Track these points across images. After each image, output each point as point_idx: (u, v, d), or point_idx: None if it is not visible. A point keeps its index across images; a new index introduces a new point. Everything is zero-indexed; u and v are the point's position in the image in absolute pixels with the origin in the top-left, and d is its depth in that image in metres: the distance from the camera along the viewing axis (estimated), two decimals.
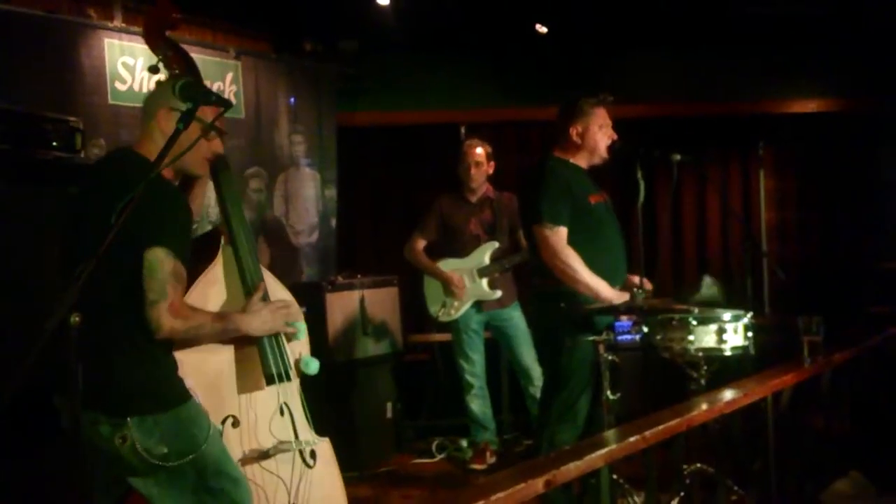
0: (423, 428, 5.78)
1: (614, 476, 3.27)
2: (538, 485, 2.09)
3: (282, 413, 2.85)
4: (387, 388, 5.49)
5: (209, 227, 4.25)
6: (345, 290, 5.27)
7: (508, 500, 1.98)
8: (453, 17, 5.94)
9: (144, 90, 4.82)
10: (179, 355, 2.52)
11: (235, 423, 2.73)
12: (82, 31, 4.65)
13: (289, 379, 2.81)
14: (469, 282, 5.19)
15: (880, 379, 4.55)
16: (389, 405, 5.47)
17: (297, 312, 2.82)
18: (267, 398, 2.81)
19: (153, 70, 2.70)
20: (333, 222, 6.16)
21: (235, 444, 2.72)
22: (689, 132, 6.64)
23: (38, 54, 4.38)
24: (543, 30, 6.00)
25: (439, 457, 5.45)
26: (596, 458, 2.32)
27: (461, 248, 5.27)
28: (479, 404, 5.29)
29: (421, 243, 5.34)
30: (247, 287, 2.76)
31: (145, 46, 4.78)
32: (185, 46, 2.77)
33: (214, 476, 2.42)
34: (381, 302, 5.49)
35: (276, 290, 2.91)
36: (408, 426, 5.71)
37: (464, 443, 5.44)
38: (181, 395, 2.43)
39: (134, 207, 2.02)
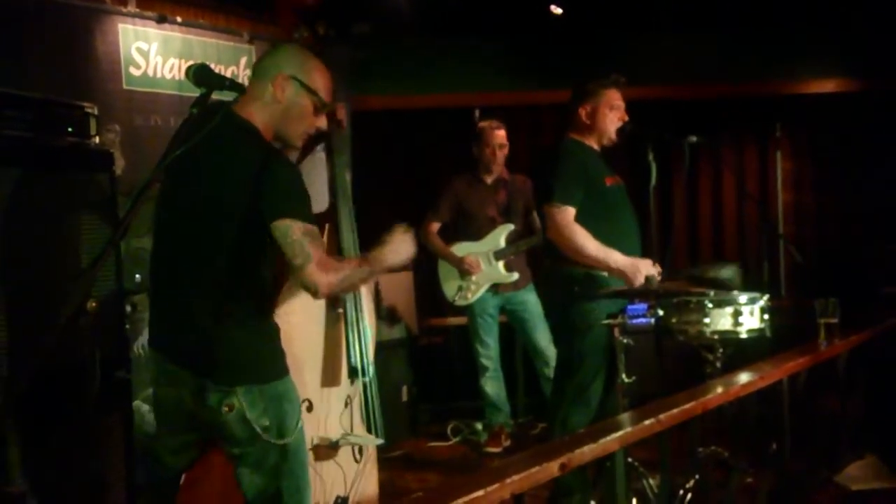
0: (439, 411, 5.80)
1: (629, 459, 3.27)
2: (553, 468, 2.09)
3: (346, 405, 2.87)
4: (402, 371, 5.51)
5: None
6: None
7: (523, 483, 1.99)
8: (466, 0, 5.91)
9: (159, 75, 4.83)
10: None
11: (310, 408, 2.75)
12: (96, 17, 4.65)
13: (365, 375, 2.83)
14: (485, 265, 5.19)
15: (895, 361, 4.52)
16: (405, 388, 5.49)
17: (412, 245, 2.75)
18: (339, 389, 2.84)
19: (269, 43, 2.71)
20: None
21: (308, 430, 2.73)
22: (704, 114, 6.58)
23: (52, 40, 4.39)
24: (558, 11, 5.96)
25: (454, 440, 5.46)
26: (611, 442, 2.32)
27: (476, 231, 5.25)
28: (493, 387, 5.30)
29: (435, 226, 5.32)
30: None
31: (160, 31, 4.86)
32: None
33: (293, 457, 2.44)
34: (396, 286, 5.50)
35: (365, 293, 2.97)
36: (423, 409, 5.73)
37: (479, 426, 5.46)
38: (283, 368, 2.46)
39: (248, 181, 2.02)
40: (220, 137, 2.33)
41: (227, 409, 2.31)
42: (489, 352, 5.28)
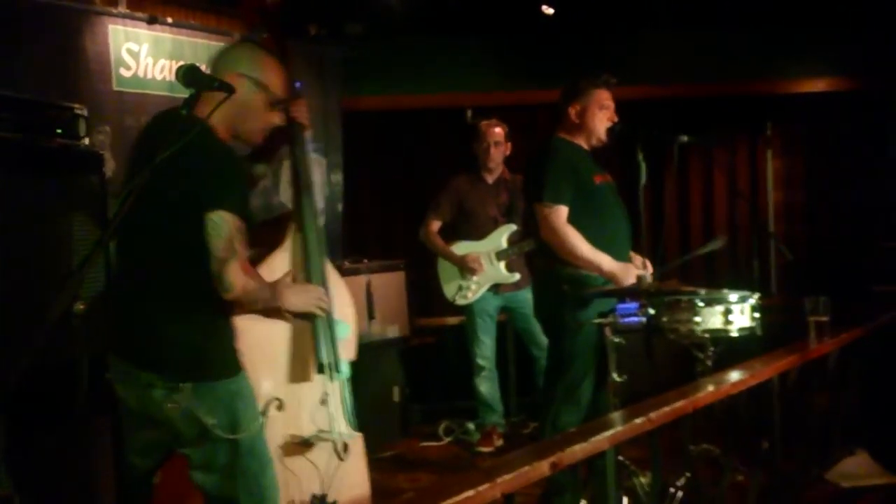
0: (430, 411, 5.80)
1: (620, 458, 3.28)
2: (544, 467, 2.10)
3: (323, 403, 2.86)
4: (394, 371, 5.50)
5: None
6: (351, 275, 5.27)
7: (515, 483, 1.99)
8: (459, 0, 5.91)
9: (149, 76, 4.82)
10: (237, 333, 2.52)
11: (280, 407, 2.74)
12: (86, 18, 4.64)
13: (338, 371, 2.83)
14: (487, 265, 5.18)
15: (887, 359, 4.54)
16: (396, 389, 5.49)
17: (328, 303, 2.79)
18: (313, 386, 2.83)
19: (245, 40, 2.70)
20: (340, 207, 6.15)
21: (279, 428, 2.74)
22: (695, 113, 6.59)
23: (42, 41, 4.37)
24: (550, 11, 5.97)
25: (446, 440, 5.47)
26: (602, 441, 2.33)
27: (477, 231, 5.23)
28: (487, 387, 5.29)
29: (436, 225, 5.29)
30: (306, 274, 2.77)
31: (150, 32, 4.86)
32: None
33: (248, 455, 2.43)
34: (388, 286, 5.49)
35: (337, 281, 2.94)
36: (415, 410, 5.73)
37: (471, 426, 5.46)
38: (235, 366, 2.45)
39: (192, 173, 2.02)
40: (170, 135, 2.35)
41: (172, 405, 2.30)
42: (486, 352, 5.28)
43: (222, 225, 2.28)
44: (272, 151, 2.82)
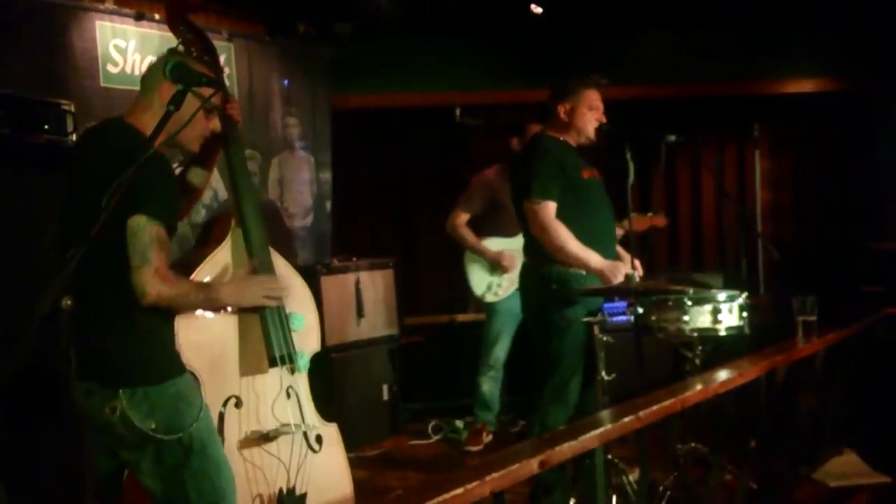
0: (419, 410, 5.79)
1: (609, 456, 3.28)
2: (533, 465, 2.09)
3: (288, 396, 2.85)
4: (383, 370, 5.49)
5: (203, 214, 4.26)
6: (340, 274, 5.27)
7: (503, 481, 1.99)
8: (448, 0, 5.91)
9: (136, 73, 4.79)
10: (183, 335, 2.53)
11: (238, 404, 2.74)
12: (74, 14, 4.61)
13: (292, 362, 2.82)
14: (520, 261, 5.10)
15: (874, 359, 4.56)
16: (385, 387, 5.48)
17: (285, 289, 2.80)
18: (270, 381, 2.82)
19: (174, 53, 2.67)
20: (328, 205, 6.14)
21: (236, 425, 2.73)
22: (684, 114, 6.62)
23: (29, 37, 4.35)
24: (538, 10, 5.97)
25: (435, 438, 5.46)
26: (590, 439, 2.32)
27: (507, 226, 5.01)
28: (491, 386, 5.23)
29: (464, 217, 5.16)
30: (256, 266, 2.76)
31: (137, 28, 4.83)
32: None
33: (199, 457, 2.43)
34: (377, 285, 5.48)
35: (288, 274, 2.93)
36: (404, 408, 5.72)
37: (459, 424, 5.45)
38: (173, 369, 2.45)
39: (117, 176, 2.01)
40: (107, 144, 2.39)
41: (109, 411, 2.30)
42: (500, 352, 5.18)
43: (139, 231, 2.28)
44: (209, 157, 2.80)
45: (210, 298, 2.55)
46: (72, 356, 2.22)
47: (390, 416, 5.54)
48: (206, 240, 2.89)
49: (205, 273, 2.70)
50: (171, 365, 2.45)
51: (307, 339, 2.96)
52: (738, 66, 6.64)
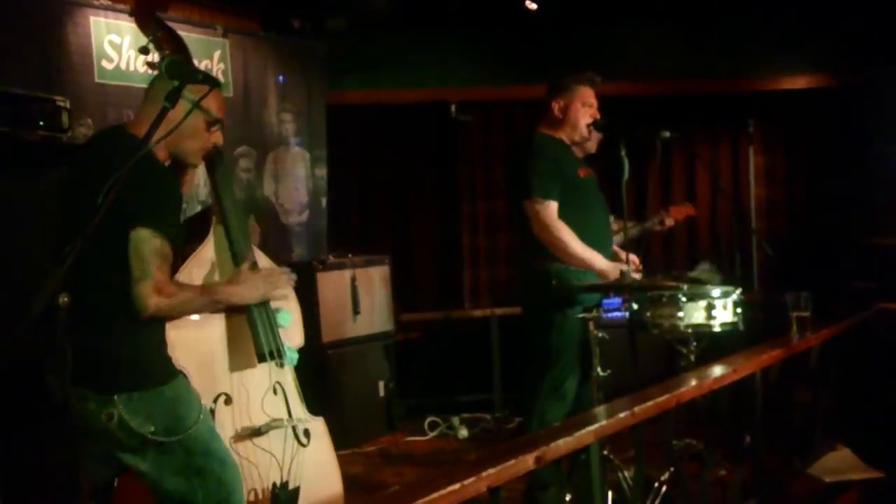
0: (416, 406, 5.80)
1: (604, 452, 3.30)
2: (528, 461, 2.10)
3: (275, 392, 2.87)
4: (379, 367, 5.50)
5: (199, 209, 4.25)
6: (336, 270, 5.27)
7: (499, 477, 1.99)
8: None
9: (131, 69, 4.79)
10: (172, 334, 2.53)
11: (228, 401, 2.75)
12: (68, 10, 4.60)
13: (281, 357, 2.83)
14: None
15: (867, 354, 4.58)
16: (381, 384, 5.49)
17: (285, 281, 2.80)
18: (259, 376, 2.83)
19: (143, 51, 2.66)
20: (324, 201, 6.14)
21: (228, 422, 2.74)
22: (678, 110, 6.63)
23: (24, 33, 4.34)
24: (533, 6, 5.97)
25: (431, 434, 5.47)
26: (586, 435, 2.33)
27: None
28: None
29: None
30: (237, 263, 2.77)
31: (132, 24, 4.81)
32: (171, 24, 2.75)
33: (202, 455, 2.43)
34: (373, 281, 5.49)
35: (272, 268, 2.92)
36: (400, 404, 5.73)
37: (455, 420, 5.47)
38: (168, 372, 2.44)
39: (123, 186, 2.01)
40: (110, 154, 2.36)
41: (106, 417, 2.30)
42: None
43: (141, 244, 2.29)
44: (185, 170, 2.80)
45: (216, 301, 2.55)
46: (68, 355, 2.22)
47: (386, 412, 5.55)
48: (188, 239, 2.87)
49: (191, 270, 2.70)
50: (165, 368, 2.45)
51: (292, 334, 2.97)
52: (732, 62, 6.65)
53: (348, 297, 5.28)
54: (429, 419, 5.56)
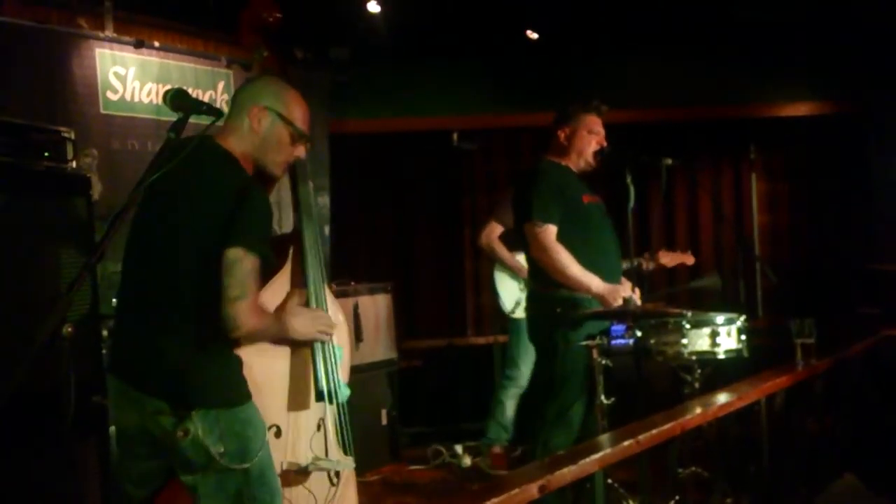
0: (419, 434, 5.77)
1: (609, 480, 3.28)
2: (533, 490, 2.09)
3: (318, 428, 2.82)
4: (381, 394, 5.48)
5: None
6: (338, 298, 5.23)
7: None
8: (444, 24, 5.94)
9: (136, 99, 4.82)
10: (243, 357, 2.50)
11: (278, 433, 2.68)
12: (73, 42, 4.64)
13: (338, 398, 2.79)
14: None
15: (873, 380, 4.56)
16: (384, 412, 5.46)
17: (334, 327, 2.76)
18: (310, 414, 2.78)
19: (247, 68, 2.68)
20: (327, 230, 6.15)
21: (275, 455, 2.68)
22: (680, 137, 6.65)
23: (29, 65, 4.37)
24: (534, 36, 6.01)
25: (434, 463, 5.44)
26: (590, 463, 2.32)
27: None
28: (512, 406, 5.21)
29: (498, 231, 5.10)
30: (308, 299, 2.73)
31: (137, 56, 4.86)
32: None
33: (258, 483, 2.40)
34: (375, 309, 5.48)
35: (334, 309, 2.90)
36: (403, 433, 5.70)
37: (458, 449, 5.43)
38: (244, 394, 2.42)
39: (218, 204, 2.01)
40: (200, 165, 2.35)
41: (182, 433, 2.27)
42: (526, 369, 5.12)
43: (238, 263, 2.27)
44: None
45: (282, 330, 2.53)
46: (72, 381, 2.22)
47: (389, 440, 5.52)
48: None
49: (266, 299, 2.62)
50: (241, 389, 2.42)
51: (343, 370, 2.95)
52: (734, 90, 6.68)
53: (351, 325, 5.28)
54: (432, 448, 5.53)
